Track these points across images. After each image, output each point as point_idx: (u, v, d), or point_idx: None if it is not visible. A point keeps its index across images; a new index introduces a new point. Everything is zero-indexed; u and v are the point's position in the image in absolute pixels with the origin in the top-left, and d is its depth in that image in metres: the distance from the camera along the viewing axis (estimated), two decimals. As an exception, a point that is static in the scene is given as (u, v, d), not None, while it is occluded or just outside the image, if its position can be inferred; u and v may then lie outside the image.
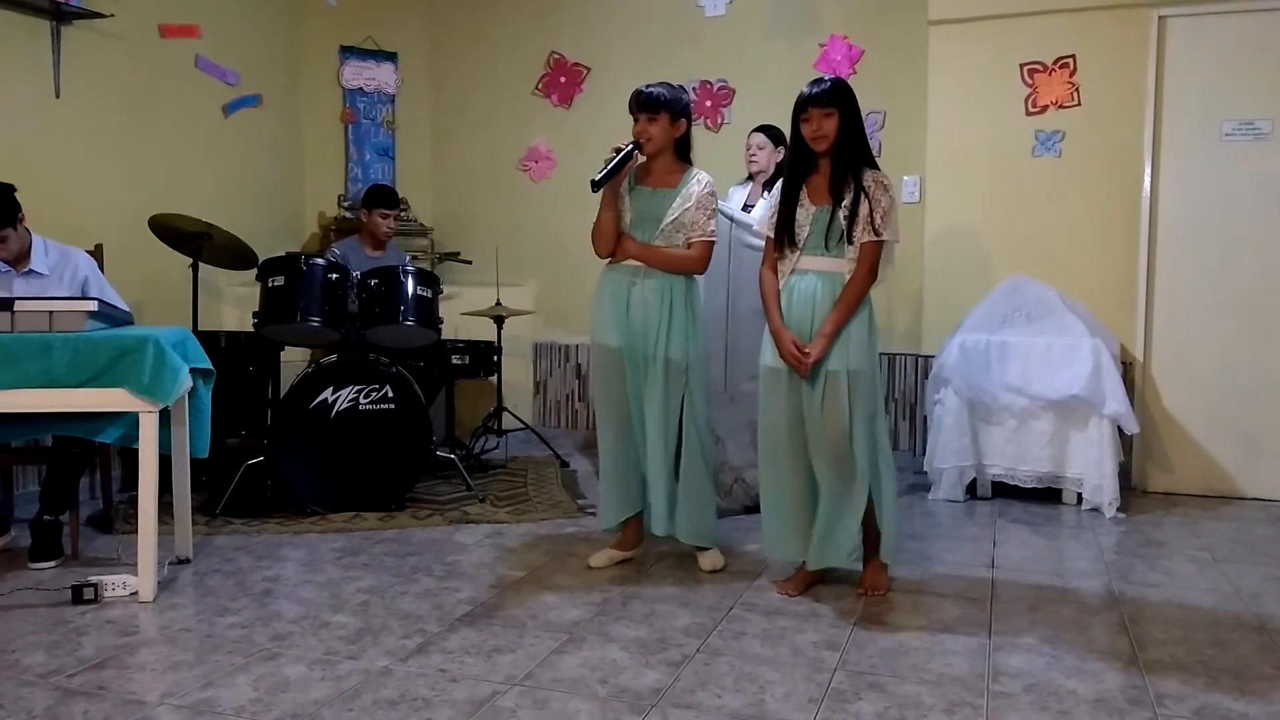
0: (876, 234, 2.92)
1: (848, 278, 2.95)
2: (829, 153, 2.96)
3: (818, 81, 2.97)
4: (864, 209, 2.92)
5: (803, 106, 2.96)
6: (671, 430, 3.22)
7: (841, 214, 2.93)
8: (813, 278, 2.99)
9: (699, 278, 3.31)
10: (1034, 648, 2.65)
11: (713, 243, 3.26)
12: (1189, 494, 4.52)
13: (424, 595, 3.03)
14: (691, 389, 3.23)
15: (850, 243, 2.94)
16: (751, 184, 4.63)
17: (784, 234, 3.02)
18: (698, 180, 3.24)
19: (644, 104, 3.20)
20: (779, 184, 3.11)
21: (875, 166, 3.00)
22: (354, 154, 6.19)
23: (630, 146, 3.20)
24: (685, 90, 3.31)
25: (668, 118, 3.19)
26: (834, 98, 2.93)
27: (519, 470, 4.86)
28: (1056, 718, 2.22)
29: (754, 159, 4.61)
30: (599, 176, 3.14)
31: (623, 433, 3.28)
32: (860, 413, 2.95)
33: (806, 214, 3.00)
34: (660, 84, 3.24)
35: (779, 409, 3.04)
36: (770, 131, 4.69)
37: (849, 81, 3.10)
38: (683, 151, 3.29)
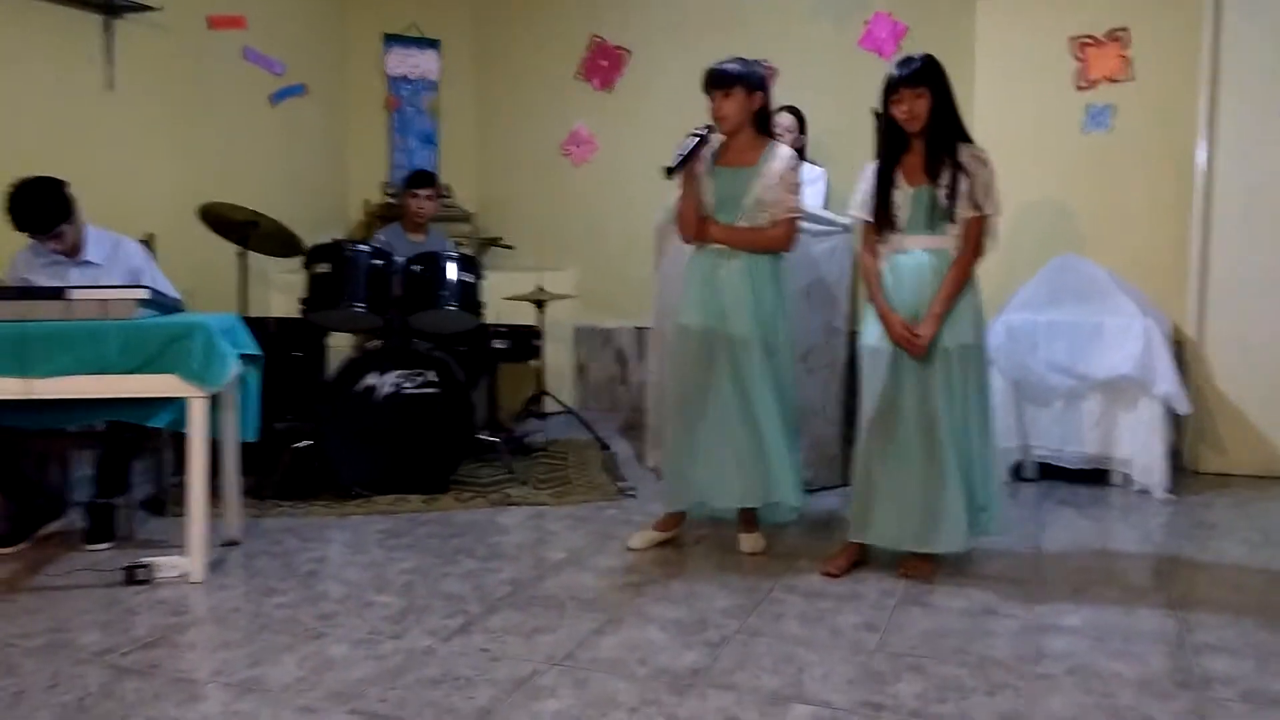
0: (979, 209, 2.90)
1: (952, 254, 2.94)
2: (922, 133, 2.93)
3: (907, 61, 2.93)
4: (964, 185, 2.90)
5: (894, 88, 2.92)
6: (773, 409, 3.16)
7: (942, 192, 2.91)
8: (918, 255, 2.98)
9: (785, 255, 3.27)
10: (1079, 629, 2.61)
11: (797, 219, 3.22)
12: (1242, 475, 4.41)
13: (466, 576, 3.07)
14: (780, 368, 3.21)
15: (952, 220, 2.92)
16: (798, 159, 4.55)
17: (883, 216, 3.00)
18: (779, 156, 3.19)
19: (717, 80, 3.14)
20: (871, 166, 3.06)
21: (970, 141, 2.97)
22: (398, 141, 6.25)
23: (705, 131, 3.17)
24: (759, 63, 3.23)
25: (743, 92, 3.14)
26: (924, 77, 2.89)
27: (560, 453, 4.89)
28: (1101, 700, 2.19)
29: (779, 139, 4.56)
30: (673, 164, 3.10)
31: (696, 415, 3.23)
32: (974, 388, 2.95)
33: (904, 195, 2.97)
34: (734, 59, 3.17)
35: (883, 389, 3.00)
36: (797, 114, 4.64)
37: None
38: (762, 125, 3.23)
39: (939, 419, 2.93)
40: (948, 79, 2.94)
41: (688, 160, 3.14)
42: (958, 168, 2.90)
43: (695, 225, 3.23)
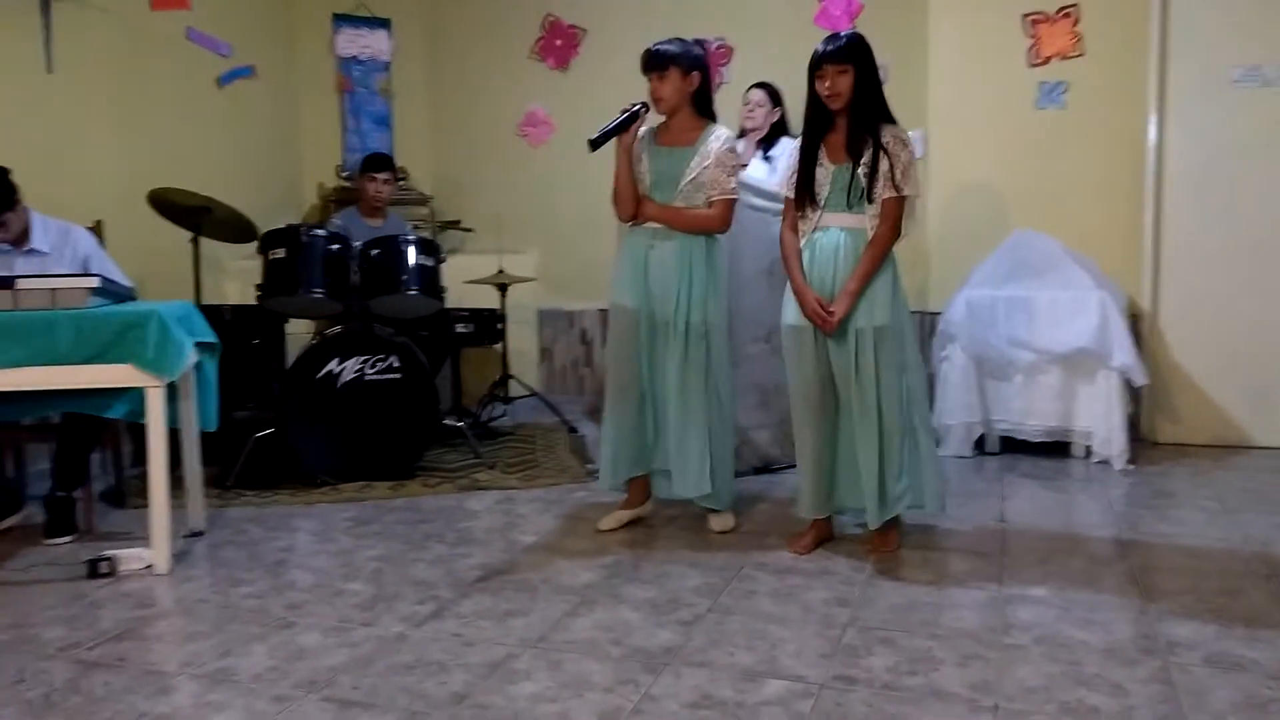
0: (898, 190, 2.90)
1: (870, 234, 2.93)
2: (845, 110, 2.93)
3: (833, 38, 2.92)
4: (884, 165, 2.89)
5: (817, 64, 2.91)
6: (695, 393, 3.19)
7: (861, 171, 2.91)
8: (835, 233, 2.97)
9: (720, 237, 3.27)
10: (1045, 600, 2.66)
11: (733, 200, 3.21)
12: (1199, 444, 4.51)
13: (436, 562, 3.05)
14: (712, 351, 3.21)
15: (871, 200, 2.92)
16: (744, 141, 4.54)
17: (804, 193, 3.00)
18: (716, 137, 3.19)
19: (653, 61, 3.14)
20: (796, 143, 3.07)
21: (893, 122, 2.96)
22: (351, 123, 6.14)
23: (636, 107, 3.17)
24: (698, 43, 3.22)
25: (678, 73, 3.13)
26: (849, 54, 2.88)
27: (527, 437, 4.87)
28: (1068, 669, 2.23)
29: (750, 115, 4.55)
30: (595, 135, 3.12)
31: (632, 395, 3.26)
32: (888, 369, 2.95)
33: (826, 172, 2.97)
34: (672, 39, 3.16)
35: (804, 368, 3.03)
36: (769, 89, 4.63)
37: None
38: (702, 106, 3.22)
39: (856, 397, 2.96)
40: (873, 58, 2.93)
41: (611, 134, 3.14)
42: (879, 148, 2.90)
43: (631, 203, 3.22)
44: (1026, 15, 4.70)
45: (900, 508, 3.07)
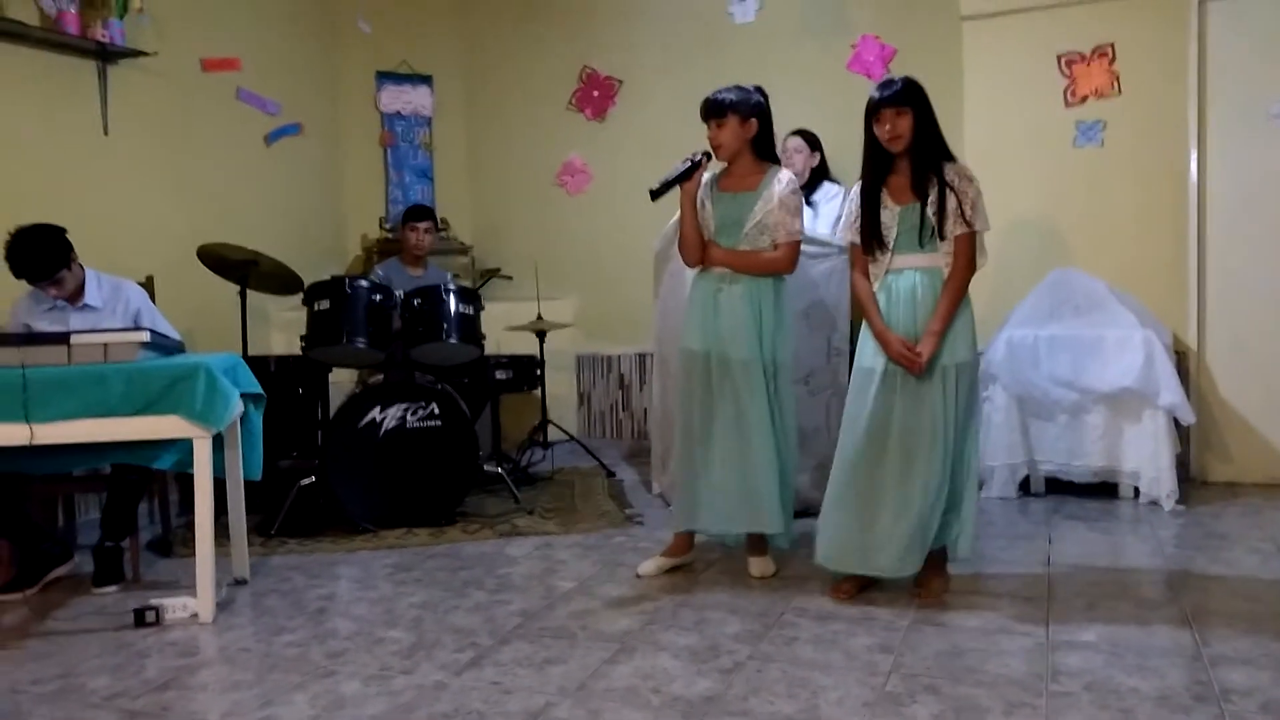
0: (969, 225, 2.92)
1: (945, 272, 2.95)
2: (906, 152, 2.95)
3: (888, 83, 2.96)
4: (951, 202, 2.91)
5: (875, 109, 2.95)
6: (763, 433, 3.18)
7: (930, 210, 2.92)
8: (911, 275, 2.98)
9: (786, 278, 3.29)
10: (1093, 645, 2.60)
11: (798, 242, 3.24)
12: (1251, 483, 4.41)
13: (476, 609, 3.05)
14: (780, 392, 3.23)
15: (943, 238, 2.93)
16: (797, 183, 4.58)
17: (871, 237, 3.01)
18: (779, 180, 3.23)
19: (711, 109, 3.20)
20: (844, 188, 3.10)
21: (954, 160, 2.99)
22: (393, 176, 6.28)
23: (698, 157, 3.22)
24: (758, 90, 3.27)
25: (736, 120, 3.18)
26: (906, 97, 2.92)
27: (566, 482, 4.88)
28: (1118, 716, 2.18)
29: (790, 162, 4.60)
30: (656, 186, 3.17)
31: (700, 439, 3.25)
32: (967, 407, 2.96)
33: (891, 214, 2.99)
34: (730, 88, 3.21)
35: (867, 410, 2.99)
36: (807, 136, 4.68)
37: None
38: (762, 151, 3.27)
39: (925, 439, 2.93)
40: (928, 99, 2.96)
41: (673, 184, 3.19)
42: (945, 185, 2.92)
43: (698, 249, 3.26)
44: (1061, 55, 4.70)
45: (945, 539, 3.03)
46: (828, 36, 5.47)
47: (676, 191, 3.23)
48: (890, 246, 2.99)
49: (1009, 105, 4.78)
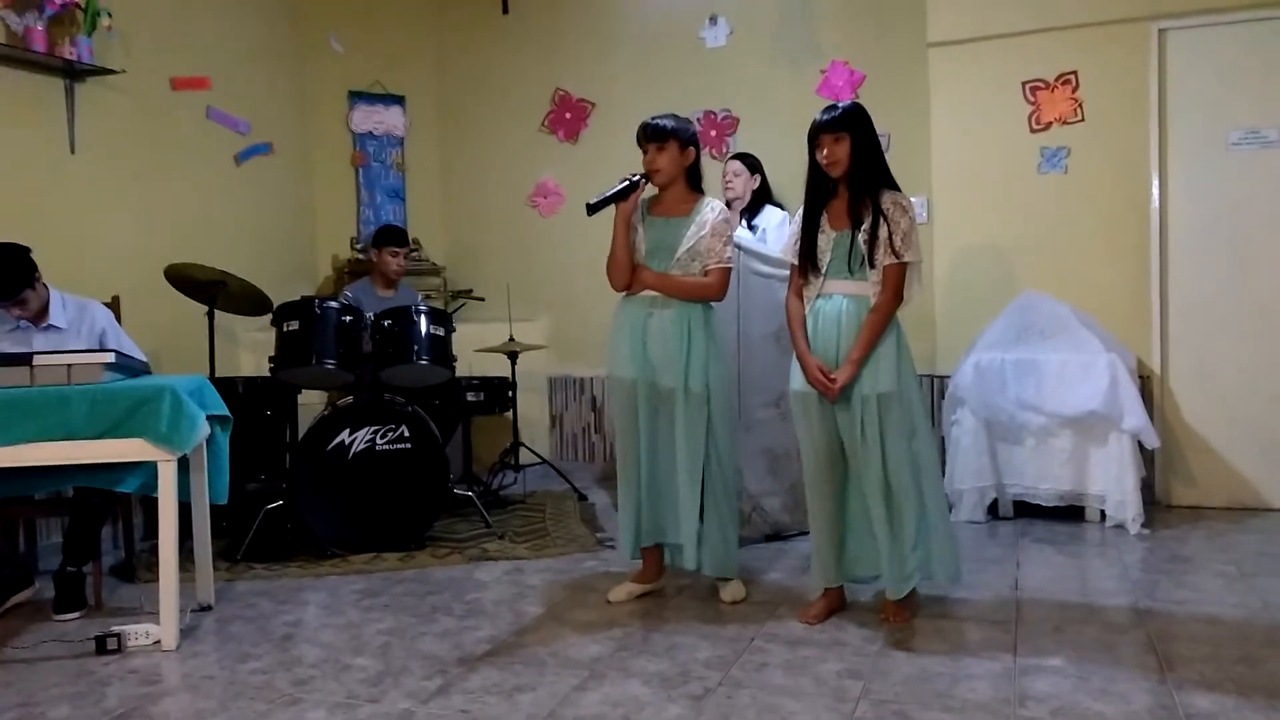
0: (897, 256, 2.92)
1: (873, 300, 2.95)
2: (845, 178, 2.98)
3: (830, 108, 3.00)
4: (883, 232, 2.92)
5: (815, 134, 2.99)
6: (696, 461, 3.20)
7: (861, 238, 2.94)
8: (838, 300, 2.99)
9: (716, 305, 3.31)
10: (1060, 669, 2.62)
11: (729, 269, 3.26)
12: (1214, 507, 4.46)
13: (444, 635, 3.03)
14: (714, 418, 3.22)
15: (872, 266, 2.94)
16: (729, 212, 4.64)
17: (806, 260, 3.03)
18: (711, 208, 3.26)
19: (652, 134, 3.23)
20: (786, 212, 3.13)
21: (895, 188, 3.00)
22: (365, 196, 6.25)
23: (636, 177, 3.24)
24: (691, 121, 3.32)
25: (676, 146, 3.22)
26: (844, 123, 2.94)
27: (537, 505, 4.86)
28: (1085, 741, 2.19)
29: (730, 186, 4.69)
30: (594, 201, 3.19)
31: (639, 465, 3.27)
32: (893, 436, 2.94)
33: (828, 239, 3.01)
34: (667, 115, 3.27)
35: (814, 434, 3.03)
36: (747, 159, 4.76)
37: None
38: (694, 180, 3.31)
39: (865, 465, 2.96)
40: (870, 125, 2.99)
41: (610, 201, 3.21)
42: (879, 213, 2.94)
43: (627, 271, 3.27)
44: (1026, 83, 4.77)
45: (918, 579, 3.04)
46: (798, 62, 5.52)
47: (612, 210, 3.25)
48: (823, 271, 3.01)
49: (975, 130, 4.85)
